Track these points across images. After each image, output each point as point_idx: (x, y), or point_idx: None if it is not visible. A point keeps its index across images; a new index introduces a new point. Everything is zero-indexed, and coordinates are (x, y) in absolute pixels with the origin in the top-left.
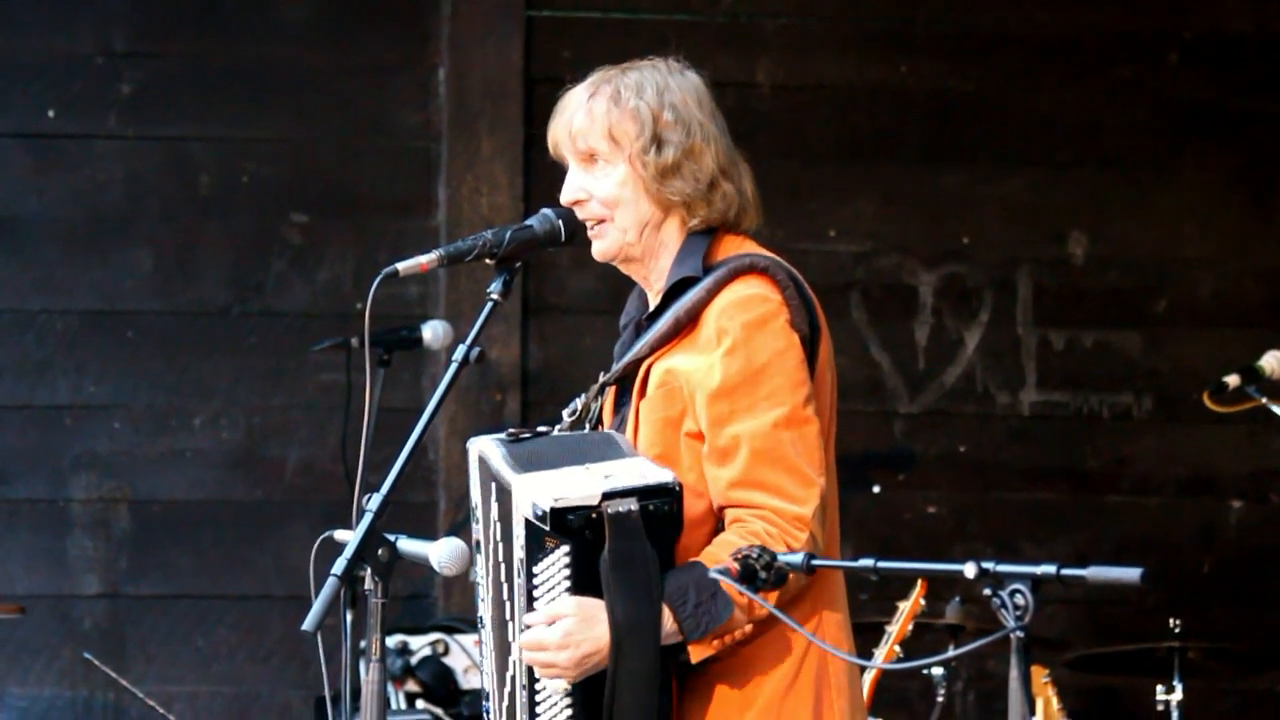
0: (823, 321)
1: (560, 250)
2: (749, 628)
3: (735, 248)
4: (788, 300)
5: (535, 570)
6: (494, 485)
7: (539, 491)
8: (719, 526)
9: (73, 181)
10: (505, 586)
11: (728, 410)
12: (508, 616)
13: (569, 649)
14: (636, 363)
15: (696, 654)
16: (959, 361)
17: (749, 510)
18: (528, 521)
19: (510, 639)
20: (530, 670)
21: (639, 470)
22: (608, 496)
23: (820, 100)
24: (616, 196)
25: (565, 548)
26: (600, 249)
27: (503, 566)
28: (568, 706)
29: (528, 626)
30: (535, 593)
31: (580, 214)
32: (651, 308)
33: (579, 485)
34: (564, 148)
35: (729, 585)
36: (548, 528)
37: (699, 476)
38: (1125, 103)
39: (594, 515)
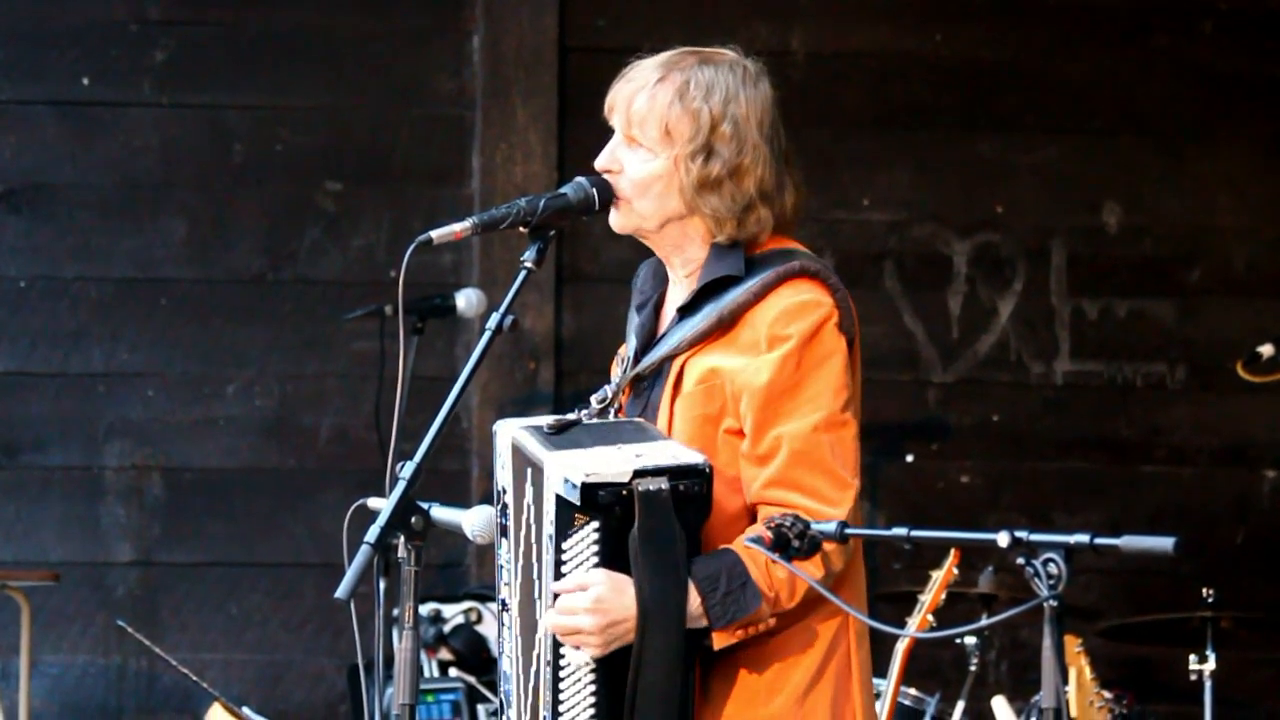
0: (855, 316)
1: (594, 219)
2: (772, 621)
3: (772, 242)
4: (838, 304)
5: (564, 546)
6: (529, 469)
7: (570, 468)
8: (753, 524)
9: (107, 149)
10: (535, 567)
11: (773, 414)
12: (536, 595)
13: (596, 615)
14: (669, 357)
15: (720, 641)
16: (992, 331)
17: (781, 509)
18: (558, 497)
19: (537, 616)
20: (555, 646)
21: (670, 451)
22: (639, 474)
23: (854, 69)
24: (648, 185)
25: (595, 524)
26: (616, 222)
27: (534, 548)
28: (591, 683)
29: (556, 595)
30: (563, 568)
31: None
32: (683, 296)
33: (611, 462)
34: (616, 116)
35: (767, 564)
36: (579, 503)
37: (737, 474)
38: (1160, 72)
39: (624, 493)
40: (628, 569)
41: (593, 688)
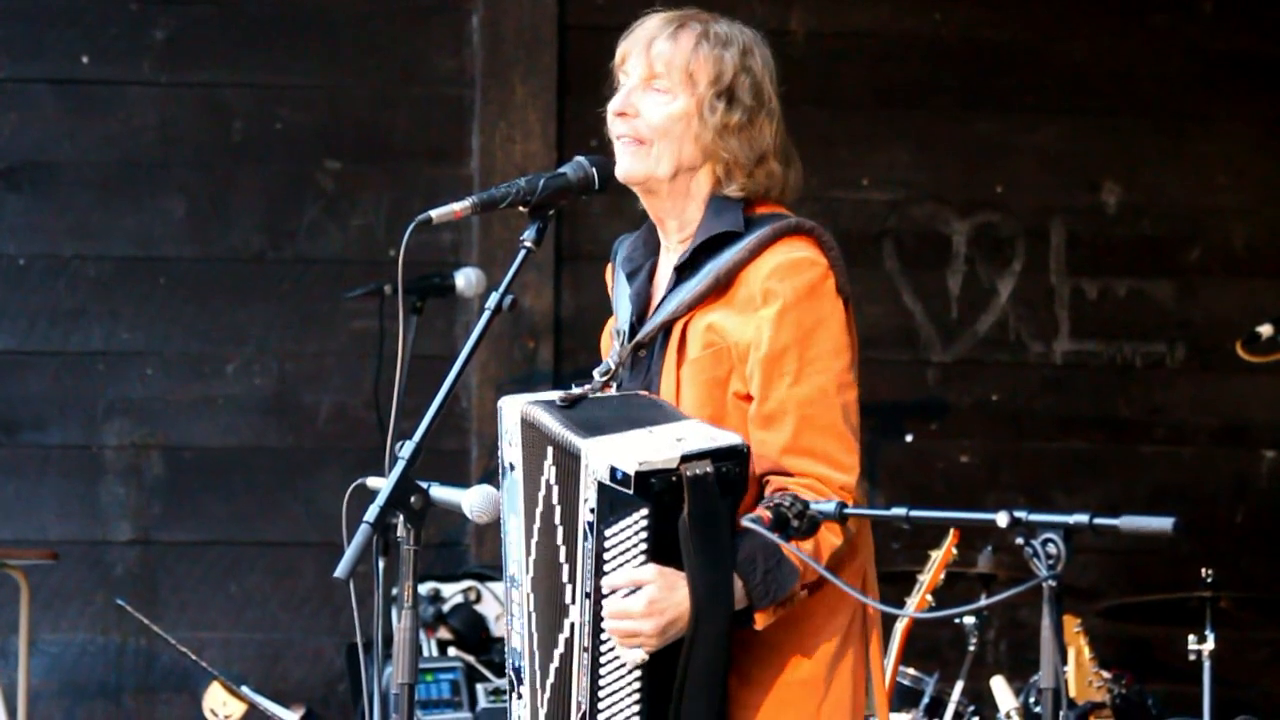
0: (848, 279)
1: (594, 198)
2: (804, 594)
3: (768, 208)
4: (833, 263)
5: (607, 533)
6: (550, 448)
7: (617, 455)
8: (760, 492)
9: (106, 128)
10: (563, 549)
11: (775, 374)
12: (565, 579)
13: (654, 617)
14: (670, 321)
15: (762, 621)
16: (992, 310)
17: (796, 479)
18: (600, 485)
19: (568, 601)
20: (596, 633)
21: (707, 433)
22: (685, 459)
23: (854, 48)
24: (667, 128)
25: (644, 510)
26: (627, 167)
27: (559, 529)
28: (636, 667)
29: (607, 593)
30: (606, 555)
31: (620, 127)
32: (678, 258)
33: (658, 449)
34: (633, 61)
35: (788, 550)
36: (630, 491)
37: (744, 438)
38: (1159, 51)
39: (674, 479)
40: (674, 553)
41: (637, 674)
